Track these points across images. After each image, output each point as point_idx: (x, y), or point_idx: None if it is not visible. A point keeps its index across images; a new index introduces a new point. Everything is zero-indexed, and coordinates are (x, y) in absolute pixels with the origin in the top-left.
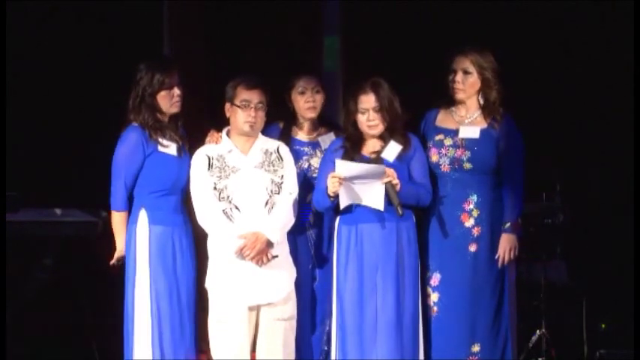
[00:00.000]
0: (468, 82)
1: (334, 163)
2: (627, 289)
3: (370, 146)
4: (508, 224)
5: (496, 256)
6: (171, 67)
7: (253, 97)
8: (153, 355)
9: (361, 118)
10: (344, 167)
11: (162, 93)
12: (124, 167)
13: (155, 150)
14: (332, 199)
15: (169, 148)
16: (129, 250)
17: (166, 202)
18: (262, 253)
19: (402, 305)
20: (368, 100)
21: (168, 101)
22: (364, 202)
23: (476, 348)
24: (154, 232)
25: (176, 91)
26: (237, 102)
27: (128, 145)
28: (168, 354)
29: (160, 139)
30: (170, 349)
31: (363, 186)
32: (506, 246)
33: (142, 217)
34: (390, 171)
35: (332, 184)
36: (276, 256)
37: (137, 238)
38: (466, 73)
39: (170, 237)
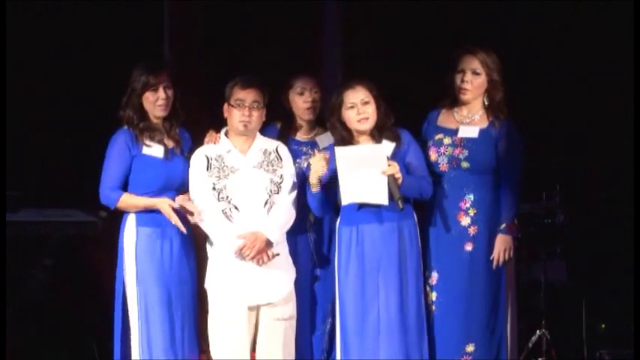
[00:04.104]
0: (476, 83)
1: (330, 170)
2: (627, 289)
3: None
4: (504, 225)
5: (491, 257)
6: (158, 69)
7: (248, 96)
8: (141, 355)
9: (350, 114)
10: (344, 153)
11: (147, 94)
12: (112, 169)
13: (139, 152)
14: (314, 190)
15: (154, 149)
16: (120, 252)
17: None
18: (262, 252)
19: (405, 304)
20: (355, 94)
21: (152, 103)
22: (367, 199)
23: (470, 348)
24: (142, 233)
25: (161, 93)
26: (232, 101)
27: (115, 147)
28: (158, 354)
29: (146, 141)
30: (160, 350)
31: (365, 178)
32: (501, 247)
33: (131, 219)
34: (393, 163)
35: (317, 166)
36: (278, 254)
37: (125, 240)
38: (475, 73)
39: (159, 238)
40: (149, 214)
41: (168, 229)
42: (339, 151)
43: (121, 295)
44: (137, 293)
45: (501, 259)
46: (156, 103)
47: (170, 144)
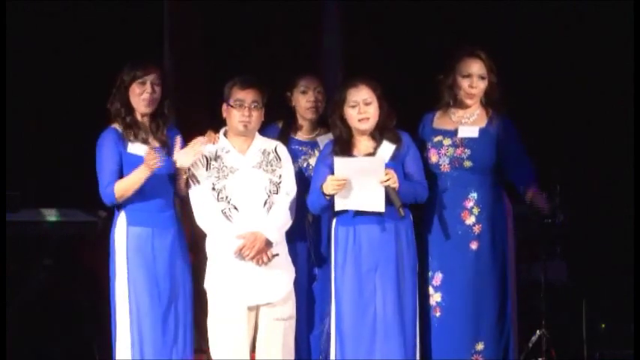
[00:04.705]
0: (482, 87)
1: (328, 167)
2: (627, 289)
3: (362, 148)
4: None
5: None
6: (147, 64)
7: (247, 96)
8: (132, 355)
9: (351, 113)
10: (342, 164)
11: (134, 86)
12: (105, 168)
13: (125, 150)
14: (328, 197)
15: (139, 148)
16: (111, 251)
17: (146, 202)
18: (262, 252)
19: (402, 306)
20: (358, 93)
21: (138, 96)
22: (363, 207)
23: (480, 346)
24: (132, 233)
25: (148, 87)
26: (231, 102)
27: (104, 147)
28: (149, 354)
29: (130, 137)
30: (151, 350)
31: (362, 187)
32: (539, 202)
33: (121, 219)
34: (391, 172)
35: (332, 187)
36: (277, 255)
37: (116, 240)
38: (481, 78)
39: (150, 238)
40: (139, 213)
41: (158, 229)
42: (338, 161)
43: (114, 296)
44: (128, 293)
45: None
46: (141, 96)
47: (155, 144)
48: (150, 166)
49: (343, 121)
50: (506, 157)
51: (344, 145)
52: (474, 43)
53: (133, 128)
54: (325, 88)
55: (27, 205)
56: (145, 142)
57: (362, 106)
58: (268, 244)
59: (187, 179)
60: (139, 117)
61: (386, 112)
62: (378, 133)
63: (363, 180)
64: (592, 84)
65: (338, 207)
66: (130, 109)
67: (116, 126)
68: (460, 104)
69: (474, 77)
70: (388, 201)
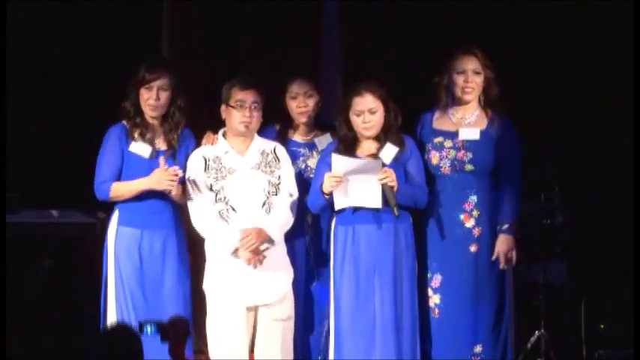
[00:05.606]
0: (478, 82)
1: (328, 165)
2: (627, 289)
3: (365, 148)
4: (506, 225)
5: (493, 258)
6: (156, 68)
7: (247, 97)
8: None
9: (356, 120)
10: (340, 162)
11: (142, 90)
12: (104, 163)
13: (127, 148)
14: (327, 196)
15: (141, 148)
16: (104, 251)
17: (140, 203)
18: (258, 252)
19: (400, 306)
20: (363, 102)
21: (145, 102)
22: (360, 203)
23: (478, 349)
24: (121, 233)
25: (153, 94)
26: (231, 103)
27: (107, 142)
28: None
29: (136, 135)
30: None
31: (359, 184)
32: (504, 247)
33: (114, 218)
34: (389, 170)
35: (329, 183)
36: (265, 256)
37: (108, 239)
38: (476, 73)
39: (138, 239)
40: (132, 214)
41: (149, 231)
42: (336, 158)
43: (105, 295)
44: (115, 292)
45: (504, 261)
46: (147, 102)
47: (163, 146)
48: (155, 184)
49: (348, 124)
50: (500, 165)
51: (348, 146)
52: (473, 43)
53: (140, 128)
54: (323, 88)
55: (27, 206)
56: (151, 142)
57: (367, 115)
58: (270, 241)
59: (185, 182)
60: (148, 118)
61: (393, 114)
62: (383, 135)
63: (360, 178)
64: (592, 84)
65: (337, 206)
66: (139, 110)
67: (125, 122)
68: (458, 102)
69: (468, 72)
70: (385, 200)
